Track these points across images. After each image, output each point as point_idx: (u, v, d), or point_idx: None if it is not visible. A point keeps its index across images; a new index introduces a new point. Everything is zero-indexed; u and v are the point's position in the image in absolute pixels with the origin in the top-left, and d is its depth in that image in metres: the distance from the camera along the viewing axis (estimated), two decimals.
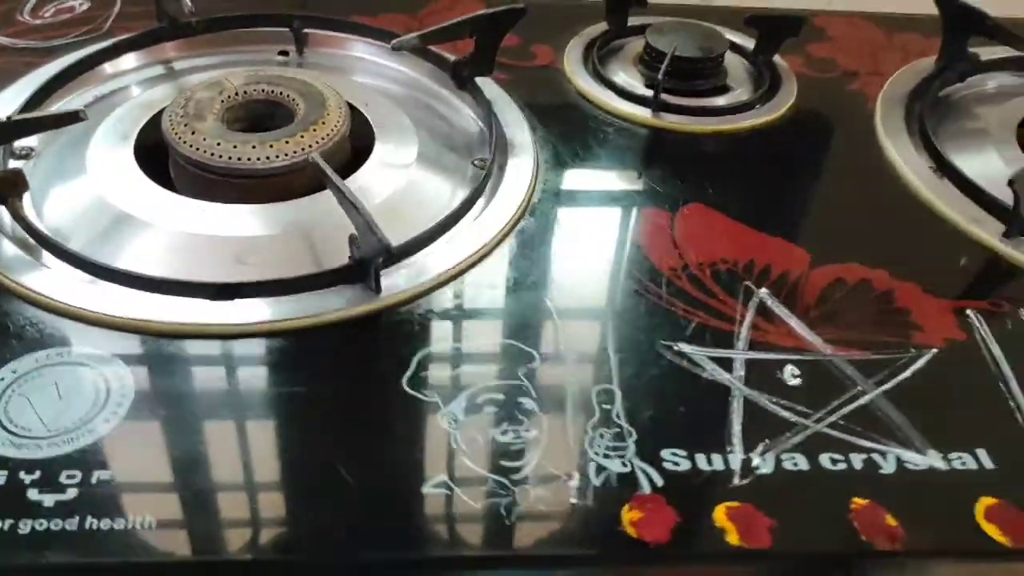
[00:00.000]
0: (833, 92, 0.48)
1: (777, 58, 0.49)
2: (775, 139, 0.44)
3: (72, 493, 0.26)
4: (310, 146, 0.37)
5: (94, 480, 0.26)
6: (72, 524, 0.25)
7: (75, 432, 0.27)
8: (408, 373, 0.30)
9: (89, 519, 0.25)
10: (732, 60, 0.48)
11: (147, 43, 0.45)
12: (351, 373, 0.30)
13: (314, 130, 0.38)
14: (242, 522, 0.26)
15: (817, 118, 0.46)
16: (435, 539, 0.26)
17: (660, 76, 0.43)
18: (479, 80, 0.44)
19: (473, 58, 0.42)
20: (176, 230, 0.35)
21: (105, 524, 0.25)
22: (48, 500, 0.26)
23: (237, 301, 0.32)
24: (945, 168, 0.41)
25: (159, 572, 0.25)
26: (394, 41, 0.40)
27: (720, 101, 0.45)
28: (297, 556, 0.25)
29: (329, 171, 0.32)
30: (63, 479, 0.26)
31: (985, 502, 0.27)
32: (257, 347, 0.31)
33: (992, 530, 0.27)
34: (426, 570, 0.26)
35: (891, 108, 0.45)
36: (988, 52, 0.49)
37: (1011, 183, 0.36)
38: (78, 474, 0.26)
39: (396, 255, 0.33)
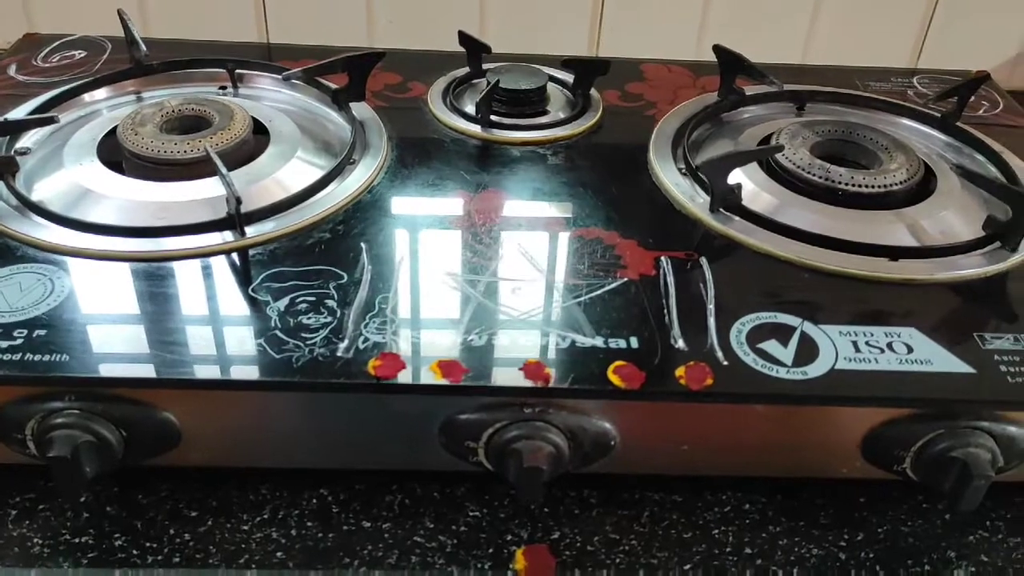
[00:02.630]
0: (631, 116, 0.62)
1: (595, 92, 0.64)
2: (573, 148, 0.59)
3: (19, 341, 0.41)
4: (214, 144, 0.52)
5: (35, 335, 0.41)
6: (17, 356, 0.40)
7: (28, 310, 0.42)
8: (253, 284, 0.45)
9: (27, 355, 0.40)
10: (557, 93, 0.64)
11: (119, 79, 0.62)
12: (219, 283, 0.45)
13: (220, 134, 0.53)
14: (116, 356, 0.41)
15: (610, 133, 0.61)
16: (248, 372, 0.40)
17: (480, 98, 0.58)
18: (362, 105, 0.60)
19: (348, 88, 0.58)
20: (122, 199, 0.51)
21: (37, 358, 0.40)
22: (3, 344, 0.40)
23: (150, 239, 0.47)
24: (688, 167, 0.55)
25: (65, 383, 0.39)
26: (284, 73, 0.56)
27: (537, 121, 0.60)
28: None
29: (214, 156, 0.48)
30: (15, 334, 0.41)
31: (616, 364, 0.41)
32: (156, 268, 0.46)
33: (615, 379, 0.40)
34: (237, 388, 0.40)
35: (666, 127, 0.60)
36: (753, 88, 0.64)
37: (699, 169, 0.49)
38: (25, 331, 0.41)
39: (260, 212, 0.48)
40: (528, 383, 0.40)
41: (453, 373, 0.40)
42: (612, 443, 0.42)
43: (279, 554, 0.41)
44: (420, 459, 0.43)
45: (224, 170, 0.47)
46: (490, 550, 0.42)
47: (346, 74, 0.57)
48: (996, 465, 0.42)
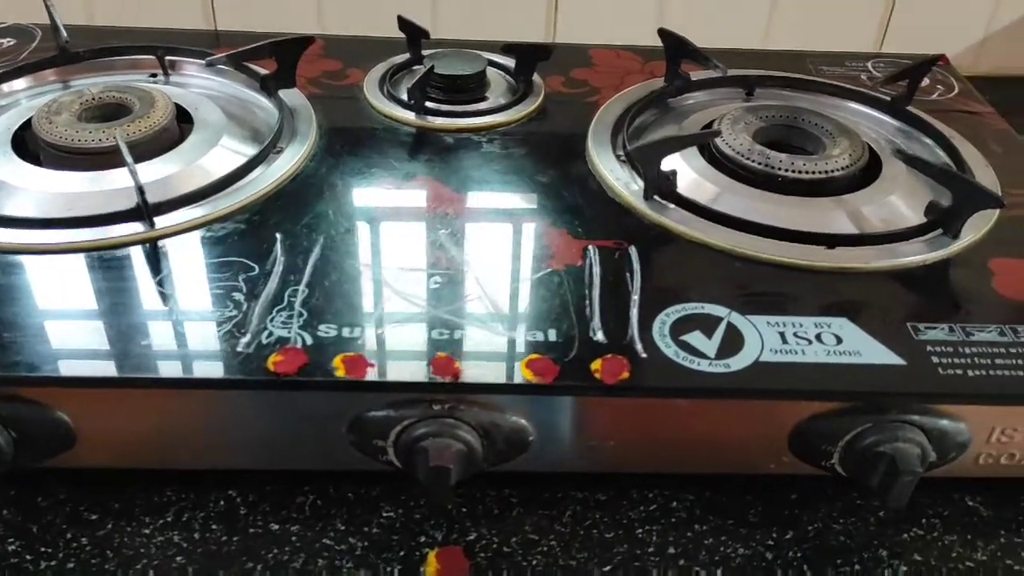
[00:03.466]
0: (573, 103, 0.61)
1: (538, 78, 0.62)
2: (510, 135, 0.57)
3: None
4: (133, 133, 0.51)
5: None
6: None
7: None
8: (160, 276, 0.43)
9: None
10: (498, 79, 0.62)
11: (43, 68, 0.60)
12: (124, 275, 0.43)
13: (138, 122, 0.51)
14: (7, 352, 0.39)
15: (550, 119, 0.59)
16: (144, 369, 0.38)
17: (412, 84, 0.56)
18: (294, 92, 0.58)
19: (276, 74, 0.56)
20: (35, 190, 0.49)
21: None
22: None
23: (57, 230, 0.45)
24: (626, 154, 0.53)
25: None
26: (209, 59, 0.54)
27: (474, 107, 0.58)
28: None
29: (121, 144, 0.46)
30: None
31: (530, 358, 0.39)
32: (59, 261, 0.44)
33: (527, 373, 0.38)
34: (131, 386, 0.38)
35: (608, 113, 0.58)
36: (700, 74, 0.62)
37: (629, 155, 0.48)
38: None
39: (173, 202, 0.46)
40: (436, 378, 0.38)
41: (357, 368, 0.38)
42: (529, 440, 0.40)
43: (179, 558, 0.39)
44: (333, 458, 0.41)
45: (129, 158, 0.45)
46: (402, 552, 0.40)
47: (274, 60, 0.55)
48: (927, 460, 0.40)
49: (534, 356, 0.39)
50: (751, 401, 0.40)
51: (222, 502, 0.42)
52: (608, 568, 0.40)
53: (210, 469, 0.42)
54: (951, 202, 0.47)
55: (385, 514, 0.42)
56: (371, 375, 0.38)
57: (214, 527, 0.41)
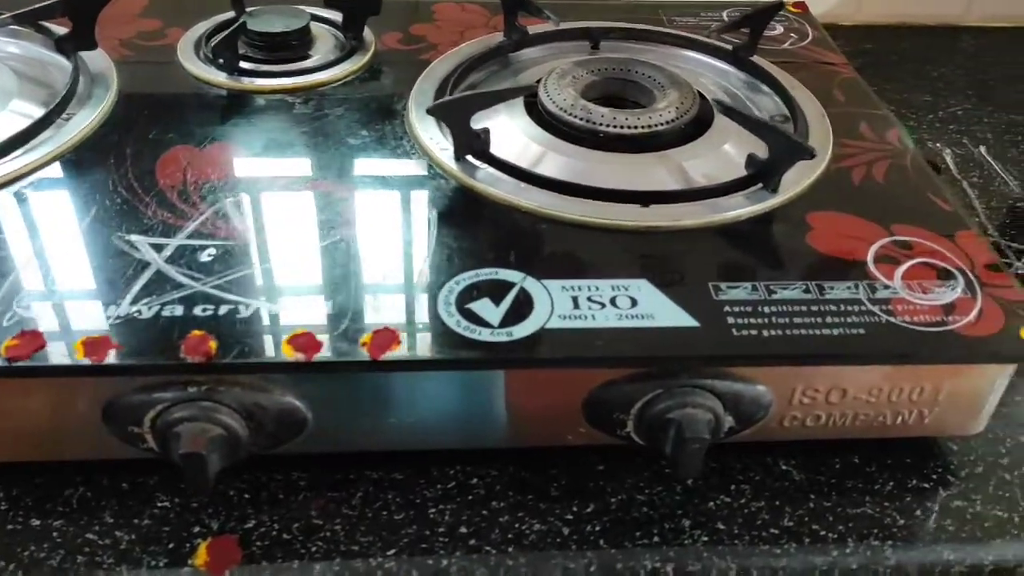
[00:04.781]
0: (405, 60, 0.57)
1: (369, 35, 0.59)
2: (328, 95, 0.53)
3: None
4: None
5: None
6: None
7: None
8: None
9: None
10: (327, 36, 0.58)
11: None
12: None
13: None
14: None
15: (376, 78, 0.56)
16: None
17: (218, 42, 0.52)
18: (99, 53, 0.54)
19: (72, 34, 0.52)
20: None
21: None
22: None
23: None
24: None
25: None
26: None
27: (294, 67, 0.55)
28: None
29: None
30: None
31: (295, 333, 0.36)
32: None
33: (288, 350, 0.36)
34: None
35: (438, 70, 0.55)
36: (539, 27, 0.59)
37: (429, 112, 0.45)
38: None
39: None
40: (186, 359, 0.36)
41: (99, 351, 0.35)
42: (304, 420, 0.38)
43: None
44: (100, 448, 0.39)
45: None
46: (171, 545, 0.38)
47: (69, 19, 0.51)
48: (722, 426, 0.39)
49: (299, 331, 0.37)
50: (536, 371, 0.38)
51: None
52: (392, 552, 0.38)
53: None
54: (767, 155, 0.45)
55: (160, 504, 0.39)
56: (113, 358, 0.35)
57: None
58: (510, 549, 0.38)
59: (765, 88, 0.55)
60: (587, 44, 0.59)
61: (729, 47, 0.57)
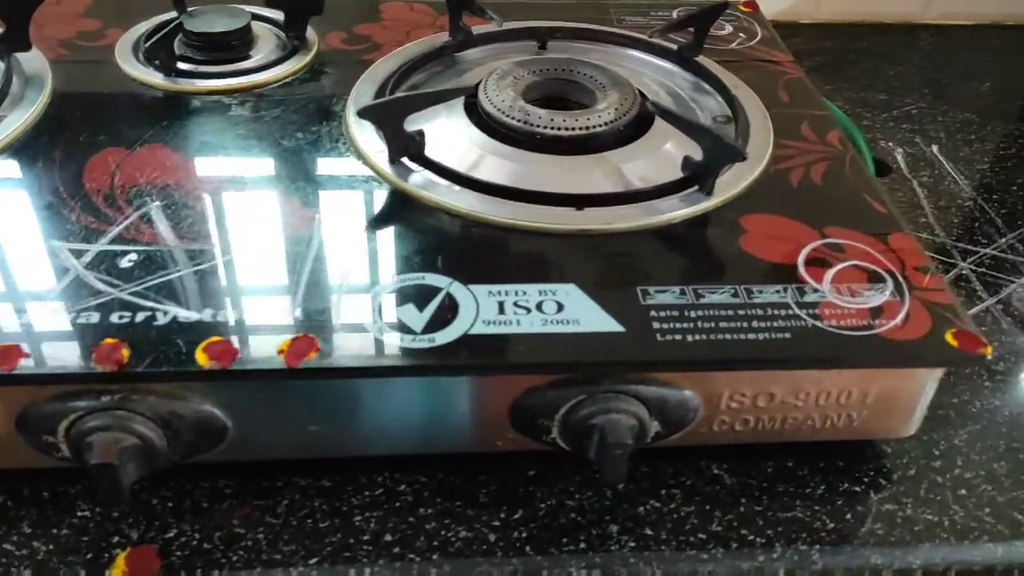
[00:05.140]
0: (347, 60, 0.56)
1: (313, 35, 0.58)
2: (265, 97, 0.52)
3: None
4: None
5: None
6: None
7: None
8: None
9: None
10: (270, 36, 0.58)
11: None
12: None
13: None
14: None
15: (316, 79, 0.55)
16: None
17: (152, 42, 0.52)
18: (36, 54, 0.53)
19: (6, 35, 0.51)
20: None
21: None
22: None
23: None
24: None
25: None
26: None
27: (233, 68, 0.54)
28: None
29: None
30: None
31: (210, 340, 0.36)
32: None
33: (202, 358, 0.35)
34: None
35: (379, 70, 0.54)
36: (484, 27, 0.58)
37: (359, 114, 0.44)
38: None
39: None
40: (95, 368, 0.35)
41: (10, 360, 0.34)
42: (224, 429, 0.38)
43: None
44: (16, 457, 0.38)
45: None
46: (89, 555, 0.37)
47: (2, 20, 0.50)
48: (649, 430, 0.38)
49: (215, 339, 0.36)
50: (460, 377, 0.38)
51: None
52: (313, 560, 0.38)
53: None
54: (702, 157, 0.45)
55: (80, 513, 0.39)
56: (24, 366, 0.35)
57: None
58: (434, 556, 0.38)
59: (710, 88, 0.55)
60: (534, 44, 0.59)
61: (674, 47, 0.57)
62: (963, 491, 0.42)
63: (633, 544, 0.39)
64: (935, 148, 0.67)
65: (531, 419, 0.38)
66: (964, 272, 0.55)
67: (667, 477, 0.42)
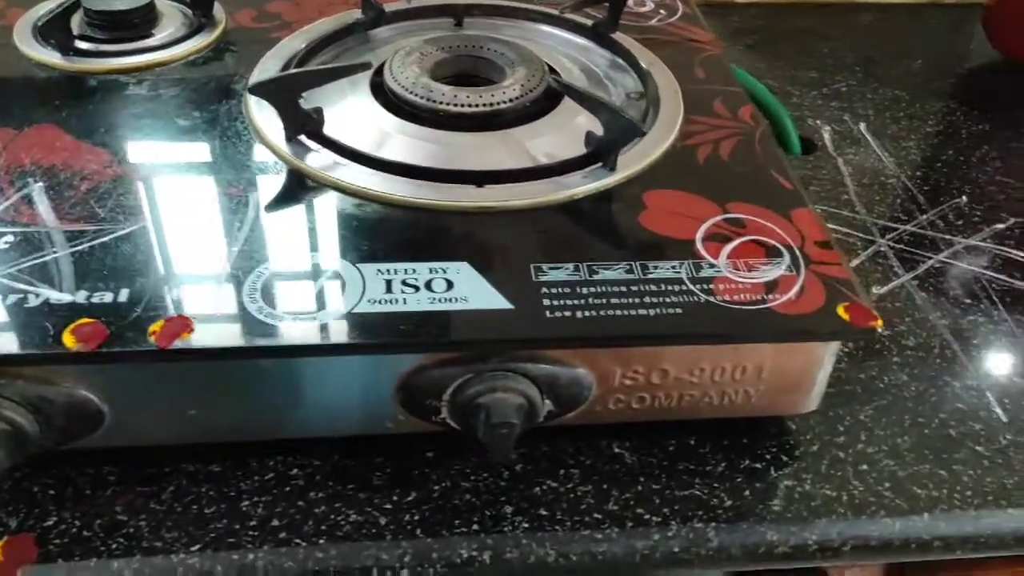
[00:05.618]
0: (254, 39, 0.55)
1: (220, 12, 0.57)
2: (165, 76, 0.51)
3: None
4: None
5: None
6: None
7: None
8: None
9: None
10: (176, 14, 0.56)
11: None
12: None
13: None
14: None
15: (220, 57, 0.54)
16: None
17: (47, 21, 0.50)
18: None
19: None
20: None
21: None
22: None
23: None
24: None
25: None
26: None
27: (134, 46, 0.53)
28: None
29: None
30: None
31: (80, 322, 0.35)
32: None
33: (70, 340, 0.34)
34: None
35: (285, 48, 0.53)
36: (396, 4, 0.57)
37: (249, 91, 0.43)
38: None
39: None
40: None
41: None
42: (99, 413, 0.36)
43: None
44: None
45: None
46: None
47: None
48: (540, 410, 0.38)
49: (85, 320, 0.35)
50: (342, 358, 0.37)
51: None
52: (196, 548, 0.37)
53: None
54: (603, 132, 0.44)
55: None
56: None
57: None
58: (321, 541, 0.37)
59: (625, 65, 0.54)
60: (451, 21, 0.58)
61: (590, 23, 0.56)
62: (864, 466, 0.42)
63: (527, 525, 0.38)
64: (863, 125, 0.67)
65: (420, 400, 0.38)
66: (882, 249, 0.55)
67: (567, 457, 0.41)
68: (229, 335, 0.35)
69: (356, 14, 0.57)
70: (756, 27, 0.81)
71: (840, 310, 0.38)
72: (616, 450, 0.42)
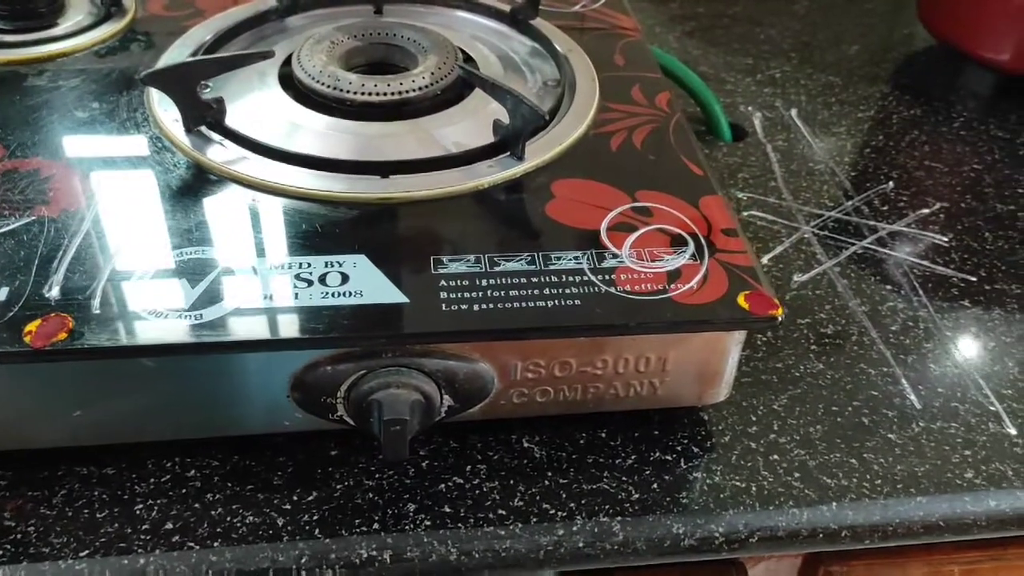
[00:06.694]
0: (164, 26, 0.54)
1: (131, 1, 0.55)
2: (66, 66, 0.50)
3: None
4: None
5: None
6: None
7: None
8: None
9: None
10: (84, 3, 0.54)
11: None
12: None
13: None
14: None
15: (127, 47, 0.52)
16: None
17: None
18: None
19: None
20: None
21: None
22: None
23: None
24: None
25: None
26: None
27: (37, 36, 0.51)
28: None
29: None
30: None
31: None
32: None
33: None
34: None
35: (194, 37, 0.51)
36: None
37: (142, 80, 0.42)
38: None
39: None
40: None
41: None
42: None
43: None
44: None
45: None
46: None
47: None
48: (439, 405, 0.37)
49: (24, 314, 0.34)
50: (230, 356, 0.36)
51: None
52: (85, 553, 0.36)
53: None
54: (508, 120, 0.43)
55: None
56: None
57: None
58: (215, 544, 0.36)
59: (545, 52, 0.53)
60: (370, 9, 0.57)
61: (508, 9, 0.55)
62: (775, 456, 0.41)
63: (428, 523, 0.38)
64: (794, 112, 0.67)
65: (315, 397, 0.37)
66: (806, 236, 0.55)
67: (475, 452, 0.41)
68: (108, 335, 0.34)
69: (271, 1, 0.56)
70: (694, 14, 0.81)
71: (740, 299, 0.37)
72: (526, 445, 0.41)
